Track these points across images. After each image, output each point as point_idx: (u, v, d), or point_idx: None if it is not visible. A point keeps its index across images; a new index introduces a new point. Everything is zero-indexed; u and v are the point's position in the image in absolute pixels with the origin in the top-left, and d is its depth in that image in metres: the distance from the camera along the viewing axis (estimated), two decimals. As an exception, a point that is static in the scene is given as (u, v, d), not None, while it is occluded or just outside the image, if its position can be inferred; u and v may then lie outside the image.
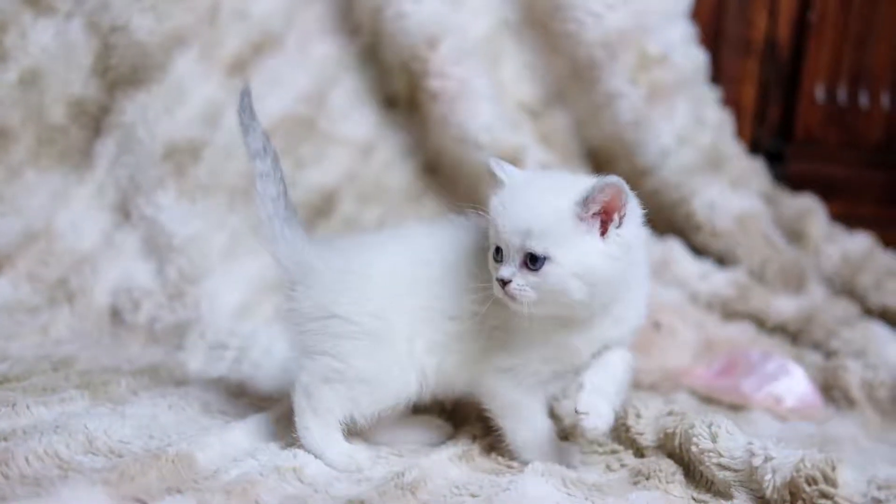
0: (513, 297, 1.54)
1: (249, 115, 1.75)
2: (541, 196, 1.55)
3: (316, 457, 1.63)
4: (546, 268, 1.52)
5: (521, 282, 1.53)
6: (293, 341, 1.73)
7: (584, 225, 1.52)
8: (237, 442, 1.67)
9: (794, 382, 2.23)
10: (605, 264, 1.54)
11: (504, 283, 1.54)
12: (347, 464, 1.64)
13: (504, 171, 1.62)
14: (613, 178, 1.51)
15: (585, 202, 1.51)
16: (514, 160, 2.61)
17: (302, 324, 1.67)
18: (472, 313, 1.65)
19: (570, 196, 1.52)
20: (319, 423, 1.64)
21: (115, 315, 2.39)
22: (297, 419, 1.66)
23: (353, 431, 1.70)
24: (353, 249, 1.72)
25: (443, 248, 1.71)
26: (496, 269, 1.56)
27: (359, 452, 1.67)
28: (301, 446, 1.65)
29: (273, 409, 1.85)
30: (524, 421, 1.71)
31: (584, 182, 1.55)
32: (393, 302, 1.65)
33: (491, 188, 1.63)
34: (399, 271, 1.68)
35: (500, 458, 1.75)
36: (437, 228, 1.77)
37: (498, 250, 1.57)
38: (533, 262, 1.52)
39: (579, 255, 1.52)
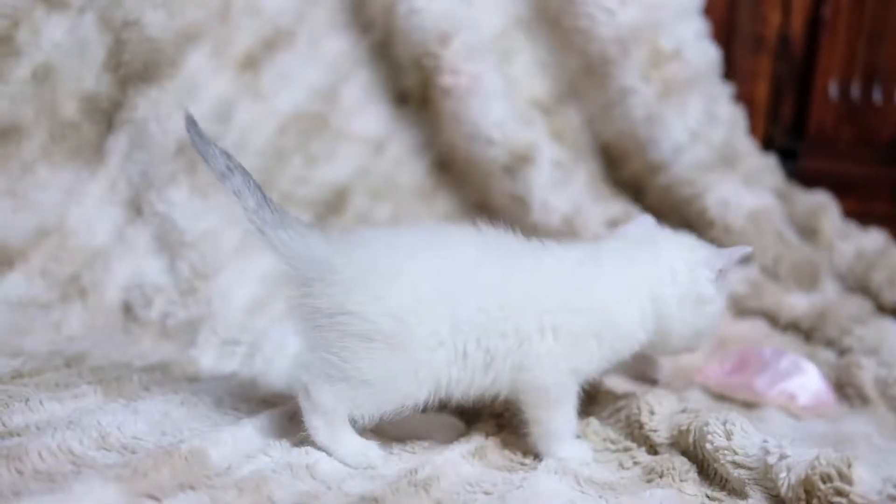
0: None
1: (201, 141, 1.70)
2: None
3: (329, 455, 1.62)
4: None
5: None
6: (305, 340, 1.70)
7: None
8: (250, 438, 1.67)
9: (807, 380, 2.22)
10: None
11: None
12: (360, 461, 1.63)
13: None
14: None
15: None
16: (527, 157, 2.63)
17: (314, 320, 1.63)
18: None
19: None
20: (327, 422, 1.63)
21: (128, 311, 2.39)
22: (304, 418, 1.64)
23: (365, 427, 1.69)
24: (381, 245, 1.67)
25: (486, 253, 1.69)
26: None
27: (371, 449, 1.65)
28: (313, 443, 1.64)
29: (285, 405, 1.85)
30: (564, 408, 1.71)
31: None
32: (418, 306, 1.60)
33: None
34: (432, 274, 1.63)
35: (512, 456, 1.75)
36: (475, 233, 1.73)
37: None
38: None
39: None
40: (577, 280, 1.71)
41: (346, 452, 1.63)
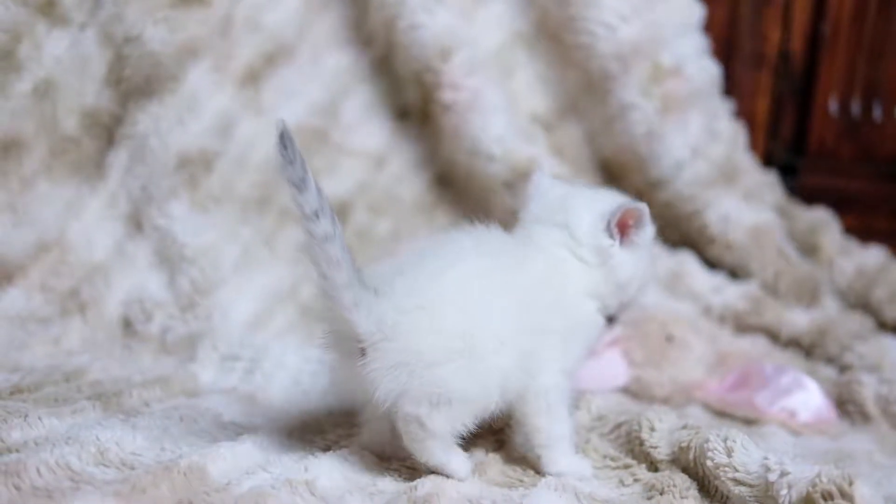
0: None
1: (300, 167, 1.47)
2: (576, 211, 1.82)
3: (446, 474, 1.62)
4: None
5: None
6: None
7: (611, 239, 1.79)
8: (249, 454, 1.66)
9: (808, 396, 2.22)
10: (631, 276, 1.83)
11: None
12: (470, 469, 1.66)
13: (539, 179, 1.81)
14: (639, 206, 1.77)
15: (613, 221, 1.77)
16: (527, 172, 2.63)
17: (382, 373, 1.58)
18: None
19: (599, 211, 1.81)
20: (442, 444, 1.62)
21: (127, 326, 2.39)
22: (413, 446, 1.61)
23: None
24: (417, 281, 1.63)
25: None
26: None
27: (466, 462, 1.66)
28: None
29: (285, 420, 1.85)
30: (564, 418, 1.73)
31: (611, 198, 1.82)
32: (471, 322, 1.61)
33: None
34: (469, 296, 1.63)
35: (512, 472, 1.74)
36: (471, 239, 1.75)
37: None
38: None
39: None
40: (540, 276, 1.74)
41: (459, 467, 1.64)
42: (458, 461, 1.64)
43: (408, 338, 1.57)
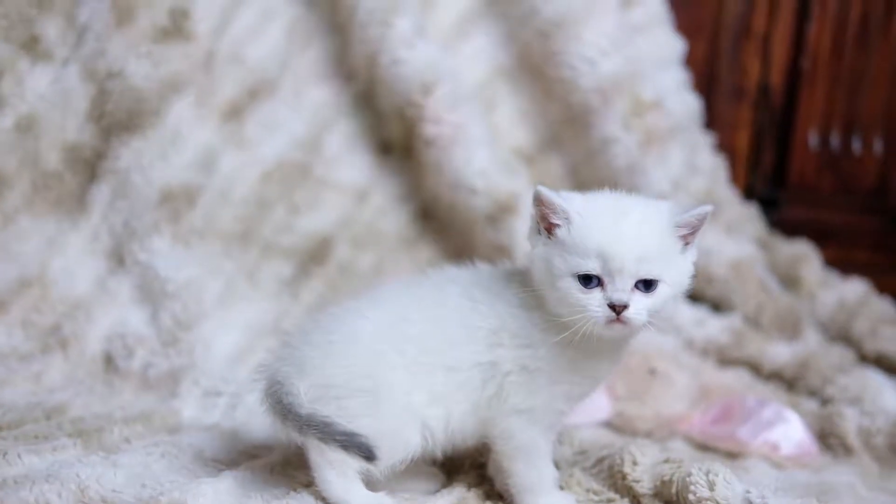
0: (627, 322, 1.57)
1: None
2: (642, 220, 1.60)
3: None
4: (659, 289, 1.59)
5: (640, 305, 1.57)
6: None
7: (679, 244, 1.61)
8: (230, 491, 1.66)
9: (790, 429, 2.22)
10: (690, 280, 1.65)
11: (620, 308, 1.56)
12: None
13: (564, 198, 1.63)
14: (708, 208, 1.62)
15: (686, 224, 1.61)
16: (510, 206, 2.64)
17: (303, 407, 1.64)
18: (472, 363, 1.67)
19: (665, 218, 1.61)
20: (339, 476, 1.62)
21: (109, 362, 2.37)
22: (315, 474, 1.64)
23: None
24: (333, 321, 1.72)
25: (423, 304, 1.71)
26: (598, 297, 1.57)
27: (382, 499, 1.66)
28: (319, 494, 1.64)
29: (267, 457, 1.84)
30: (535, 463, 1.71)
31: (657, 202, 1.68)
32: (379, 360, 1.65)
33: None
34: (380, 332, 1.67)
35: (495, 508, 1.75)
36: (413, 286, 1.78)
37: (589, 279, 1.58)
38: (647, 285, 1.58)
39: (680, 275, 1.62)
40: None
41: (360, 503, 1.63)
42: (361, 501, 1.64)
43: (317, 371, 1.64)
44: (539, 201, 1.63)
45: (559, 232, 1.61)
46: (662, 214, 1.62)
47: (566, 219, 1.61)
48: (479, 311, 1.69)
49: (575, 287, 1.58)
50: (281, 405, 1.62)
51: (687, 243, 1.63)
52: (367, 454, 1.58)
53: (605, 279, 1.57)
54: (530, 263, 1.67)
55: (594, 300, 1.57)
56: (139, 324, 2.42)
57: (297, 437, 1.63)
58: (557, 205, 1.61)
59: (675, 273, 1.61)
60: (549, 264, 1.61)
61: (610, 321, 1.57)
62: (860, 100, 3.11)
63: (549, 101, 2.91)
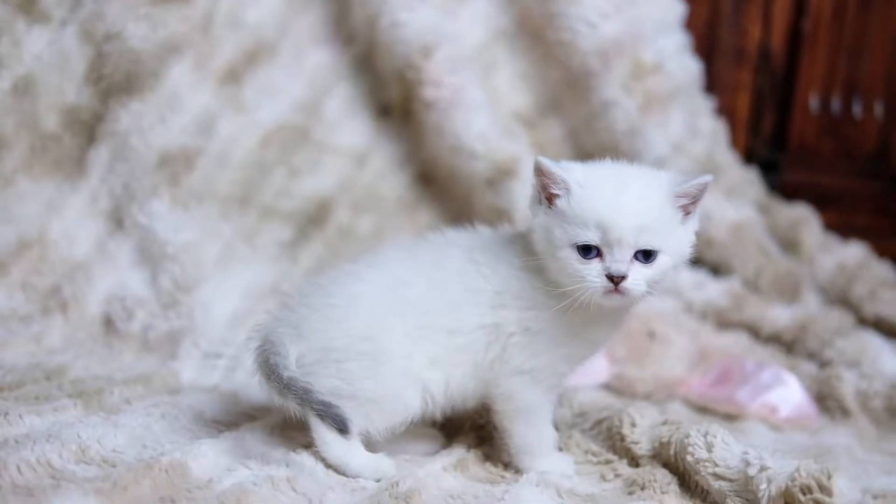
0: (625, 293, 1.58)
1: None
2: (642, 191, 1.60)
3: (339, 469, 1.63)
4: (658, 260, 1.60)
5: (638, 276, 1.58)
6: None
7: (679, 214, 1.62)
8: (230, 451, 1.67)
9: (788, 392, 2.23)
10: (690, 250, 1.66)
11: (619, 279, 1.56)
12: (373, 471, 1.64)
13: (564, 169, 1.63)
14: (708, 177, 1.62)
15: (686, 194, 1.61)
16: (509, 169, 2.63)
17: (305, 367, 1.66)
18: (476, 325, 1.67)
19: (665, 188, 1.61)
20: (338, 437, 1.63)
21: (109, 324, 2.38)
22: (315, 435, 1.64)
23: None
24: (333, 285, 1.73)
25: (423, 267, 1.72)
26: (596, 268, 1.58)
27: (381, 460, 1.67)
28: (318, 455, 1.64)
29: (267, 418, 1.84)
30: (535, 424, 1.72)
31: (658, 172, 1.68)
32: (380, 323, 1.66)
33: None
34: (380, 295, 1.68)
35: (493, 468, 1.75)
36: (414, 250, 1.79)
37: (588, 249, 1.58)
38: (647, 256, 1.59)
39: (680, 245, 1.63)
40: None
41: (359, 464, 1.64)
42: (360, 462, 1.64)
43: (316, 334, 1.65)
44: (539, 171, 1.63)
45: (559, 202, 1.62)
46: (662, 185, 1.62)
47: (566, 189, 1.61)
48: (482, 274, 1.70)
49: (574, 257, 1.59)
50: (267, 364, 1.63)
51: (687, 213, 1.64)
52: (342, 426, 1.59)
53: (604, 250, 1.58)
54: (531, 233, 1.67)
55: (593, 271, 1.58)
56: (139, 286, 2.42)
57: (276, 400, 1.65)
58: (557, 175, 1.61)
59: (675, 243, 1.62)
60: (550, 234, 1.62)
61: (608, 291, 1.58)
62: (861, 63, 3.10)
63: (549, 65, 2.89)
